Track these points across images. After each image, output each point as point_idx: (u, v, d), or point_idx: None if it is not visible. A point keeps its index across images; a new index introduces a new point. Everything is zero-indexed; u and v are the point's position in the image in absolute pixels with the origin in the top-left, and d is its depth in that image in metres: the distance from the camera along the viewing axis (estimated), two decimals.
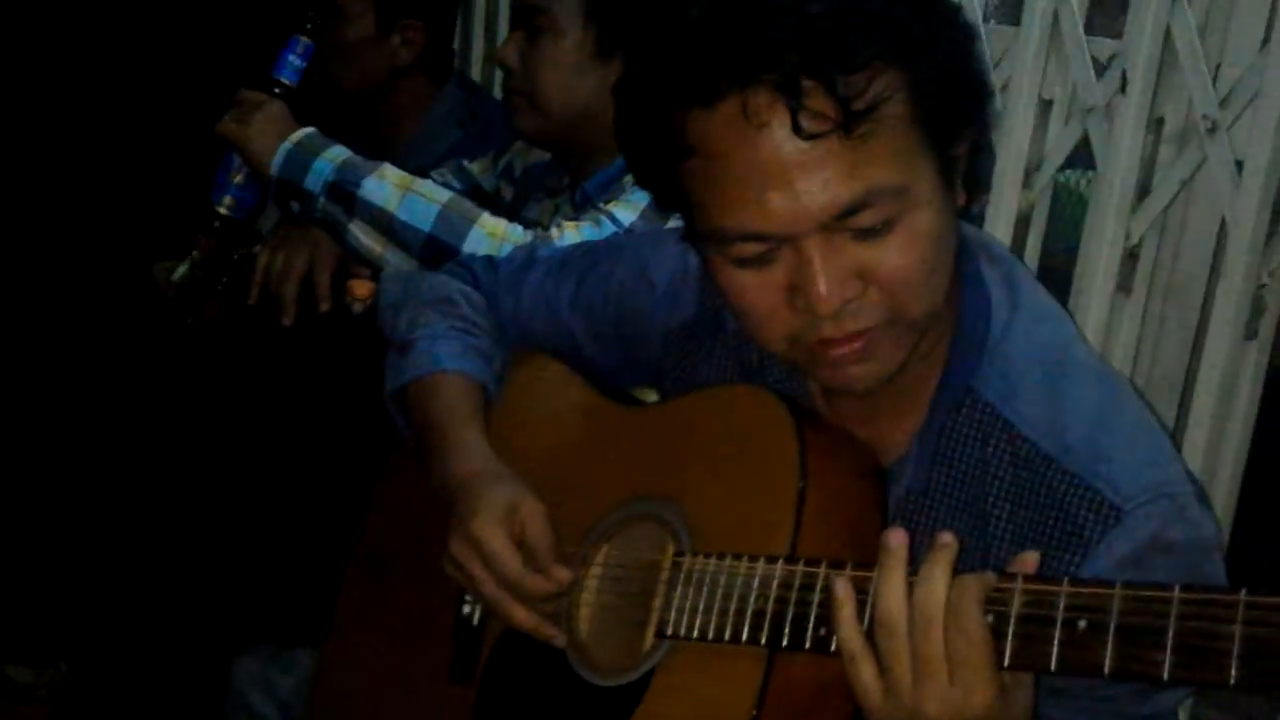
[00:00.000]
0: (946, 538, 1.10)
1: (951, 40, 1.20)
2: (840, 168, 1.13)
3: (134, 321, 2.45)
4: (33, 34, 3.00)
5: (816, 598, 1.17)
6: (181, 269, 2.16)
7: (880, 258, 1.17)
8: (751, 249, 1.19)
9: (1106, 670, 0.99)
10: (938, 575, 1.08)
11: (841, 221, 1.15)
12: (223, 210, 2.08)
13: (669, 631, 1.29)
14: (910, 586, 1.09)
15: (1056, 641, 1.02)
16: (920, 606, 1.08)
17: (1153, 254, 1.79)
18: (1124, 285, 1.81)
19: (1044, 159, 1.90)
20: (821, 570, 1.18)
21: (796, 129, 1.12)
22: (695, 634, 1.26)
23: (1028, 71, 1.86)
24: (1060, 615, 1.02)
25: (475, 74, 3.04)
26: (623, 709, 1.30)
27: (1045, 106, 1.91)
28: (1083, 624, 1.01)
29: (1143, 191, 1.77)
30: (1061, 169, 1.89)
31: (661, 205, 1.35)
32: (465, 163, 2.41)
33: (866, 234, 1.16)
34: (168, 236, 2.24)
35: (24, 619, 2.68)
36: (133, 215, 2.91)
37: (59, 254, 2.97)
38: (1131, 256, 1.79)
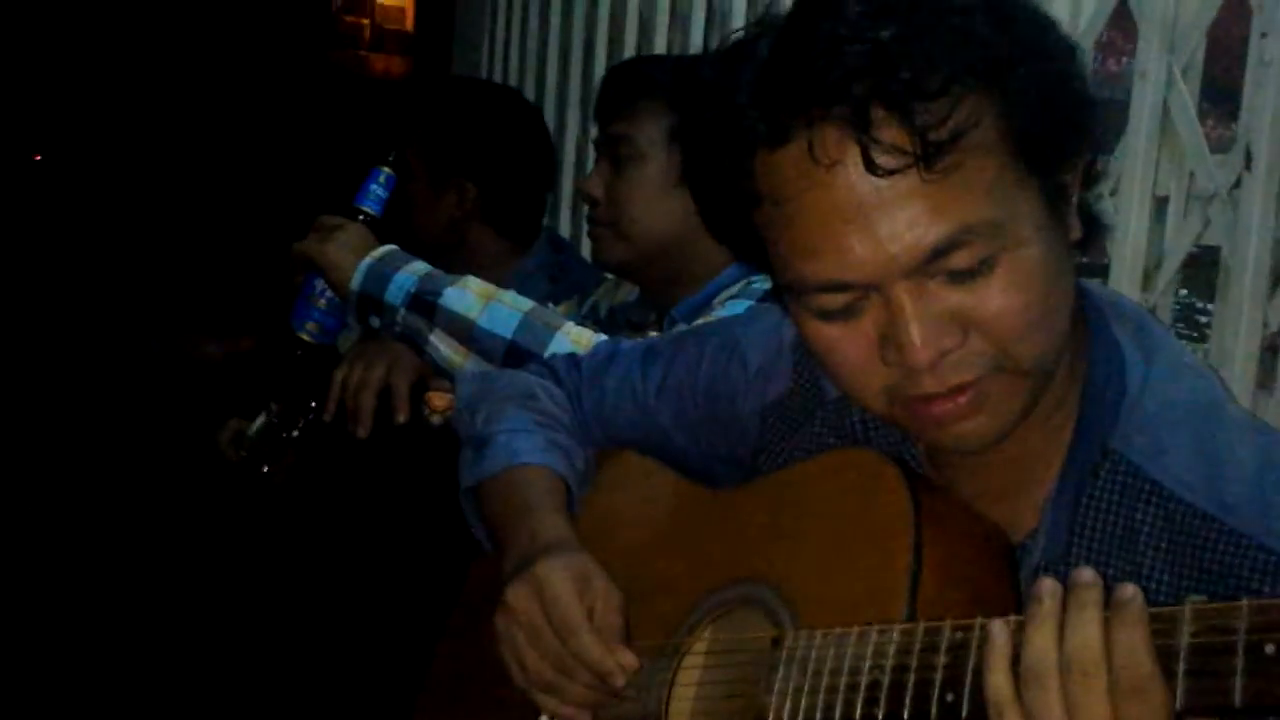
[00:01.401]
0: (1087, 575, 0.94)
1: (1045, 55, 1.08)
2: (924, 206, 1.03)
3: (206, 473, 2.40)
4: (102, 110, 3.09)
5: (942, 660, 1.01)
6: (258, 422, 2.12)
7: (980, 301, 1.05)
8: (835, 300, 1.08)
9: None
10: (1089, 617, 0.91)
11: (932, 264, 1.04)
12: (305, 337, 2.05)
13: (770, 718, 1.12)
14: (1062, 633, 0.93)
15: (1240, 672, 0.84)
16: (1073, 654, 0.91)
17: None
18: (1265, 382, 1.65)
19: (1164, 257, 1.79)
20: (947, 627, 1.02)
21: (869, 166, 1.02)
22: (801, 718, 1.09)
23: (1139, 166, 1.77)
24: (1242, 640, 0.85)
25: (564, 222, 3.06)
26: None
27: (1160, 206, 1.81)
28: (1270, 648, 0.83)
29: (1278, 278, 1.64)
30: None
31: (741, 257, 1.26)
32: (552, 306, 2.37)
33: (963, 276, 1.04)
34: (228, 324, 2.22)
35: None
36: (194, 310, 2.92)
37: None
38: (1271, 349, 1.64)
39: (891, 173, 1.02)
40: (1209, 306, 1.74)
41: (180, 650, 2.40)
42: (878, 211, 1.03)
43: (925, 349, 1.04)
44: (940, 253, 1.03)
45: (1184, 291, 2.28)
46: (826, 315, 1.10)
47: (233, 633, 2.28)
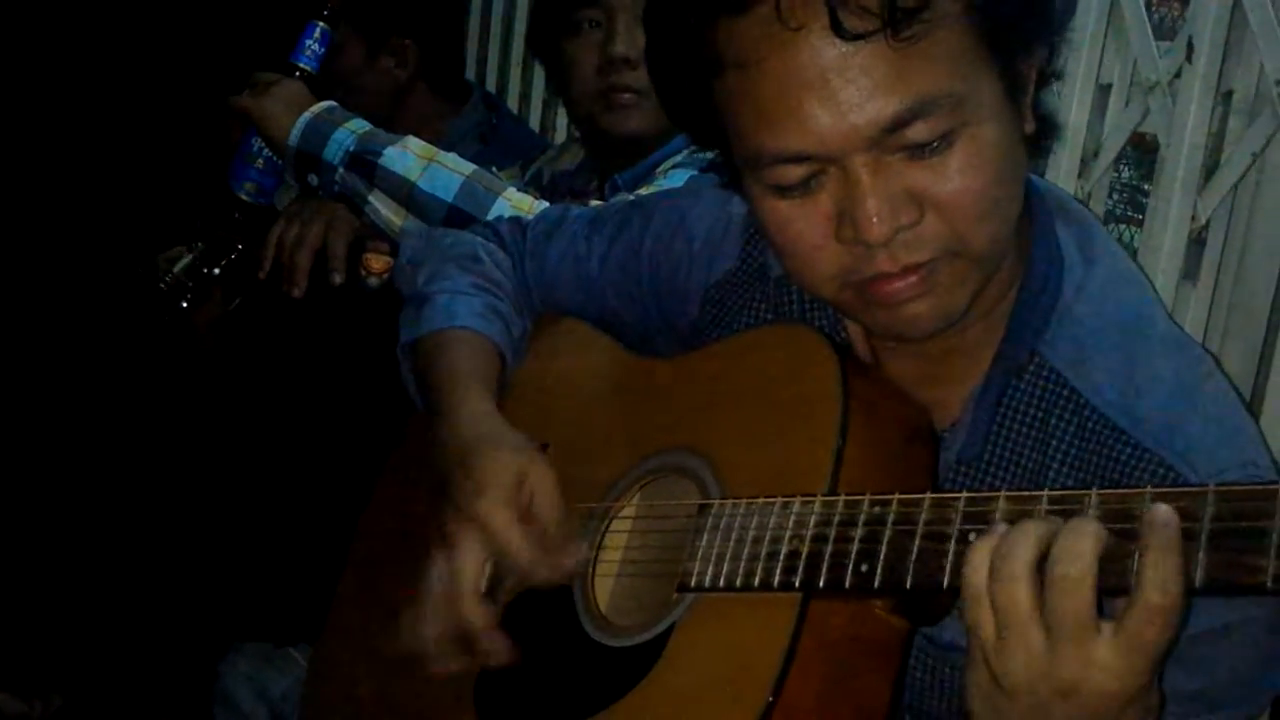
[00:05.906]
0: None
1: None
2: (887, 74, 1.02)
3: (128, 316, 2.37)
4: (41, 27, 2.99)
5: (859, 533, 1.04)
6: (184, 260, 2.08)
7: (938, 178, 1.05)
8: (793, 172, 1.07)
9: (1199, 582, 0.85)
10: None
11: (892, 137, 1.04)
12: (244, 196, 2.01)
13: (692, 583, 1.15)
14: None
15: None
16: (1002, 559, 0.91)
17: (1221, 239, 1.67)
18: (1190, 273, 1.69)
19: (1101, 145, 1.80)
20: (865, 502, 1.05)
21: (837, 30, 1.01)
22: (721, 583, 1.13)
23: (1084, 53, 1.78)
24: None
25: (514, 81, 3.02)
26: (638, 671, 1.16)
27: (1103, 92, 1.82)
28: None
29: (1210, 172, 1.66)
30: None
31: (698, 141, 1.25)
32: (495, 170, 2.34)
33: (921, 151, 1.05)
34: (170, 228, 2.17)
35: (14, 646, 2.56)
36: (135, 208, 2.87)
37: (58, 247, 2.92)
38: (1198, 242, 1.67)
39: (858, 37, 1.01)
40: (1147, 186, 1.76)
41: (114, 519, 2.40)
42: (841, 79, 1.03)
43: (881, 224, 1.05)
44: (901, 123, 1.03)
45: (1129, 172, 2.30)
46: (783, 191, 1.09)
47: (167, 498, 2.28)
